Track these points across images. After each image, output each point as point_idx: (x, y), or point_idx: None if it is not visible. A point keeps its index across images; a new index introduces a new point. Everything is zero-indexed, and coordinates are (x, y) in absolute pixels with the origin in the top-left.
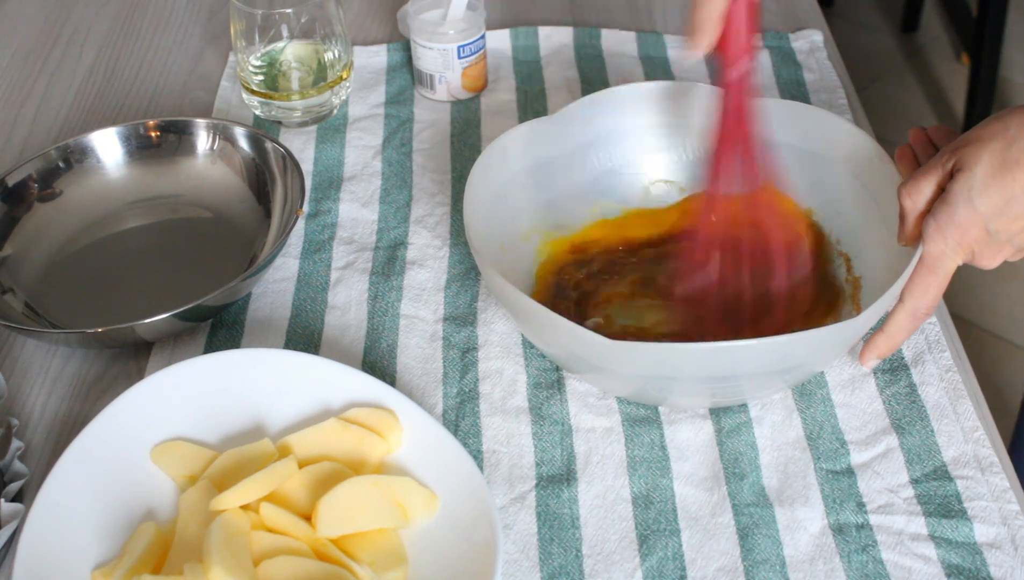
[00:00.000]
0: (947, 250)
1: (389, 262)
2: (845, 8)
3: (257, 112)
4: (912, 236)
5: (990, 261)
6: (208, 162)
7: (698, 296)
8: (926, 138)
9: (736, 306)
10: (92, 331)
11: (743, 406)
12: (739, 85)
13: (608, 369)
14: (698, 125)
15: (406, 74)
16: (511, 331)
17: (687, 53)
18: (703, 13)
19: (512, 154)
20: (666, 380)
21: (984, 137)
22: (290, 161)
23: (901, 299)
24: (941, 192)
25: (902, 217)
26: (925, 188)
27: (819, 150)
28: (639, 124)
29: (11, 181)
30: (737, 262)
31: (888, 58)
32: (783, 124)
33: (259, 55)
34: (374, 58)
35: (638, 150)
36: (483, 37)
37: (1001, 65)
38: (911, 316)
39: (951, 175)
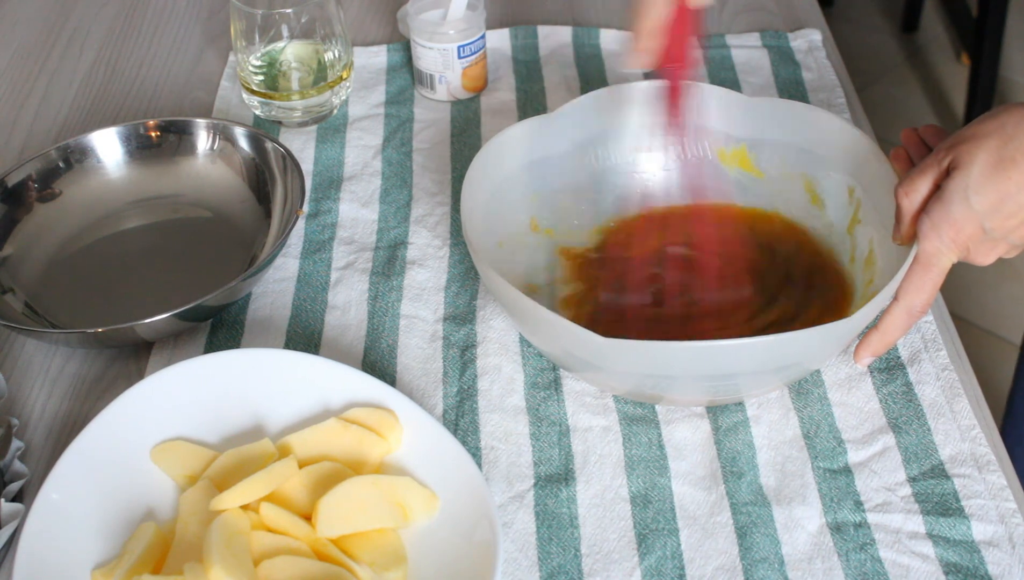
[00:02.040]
0: (942, 248)
1: (389, 262)
2: (845, 8)
3: (257, 112)
4: (908, 235)
5: (984, 258)
6: (208, 162)
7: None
8: (918, 138)
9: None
10: (92, 331)
11: (740, 405)
12: (678, 91)
13: (604, 367)
14: (695, 124)
15: (406, 74)
16: (509, 329)
17: (627, 62)
18: (645, 24)
19: (510, 152)
20: (662, 378)
21: (980, 134)
22: (290, 161)
23: (896, 297)
24: (937, 189)
25: (898, 216)
26: (921, 186)
27: (815, 149)
28: (637, 123)
29: (11, 181)
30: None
31: (888, 58)
32: (780, 123)
33: (259, 55)
34: (374, 58)
35: (635, 149)
36: (483, 37)
37: (1001, 65)
38: (906, 314)
39: (947, 173)
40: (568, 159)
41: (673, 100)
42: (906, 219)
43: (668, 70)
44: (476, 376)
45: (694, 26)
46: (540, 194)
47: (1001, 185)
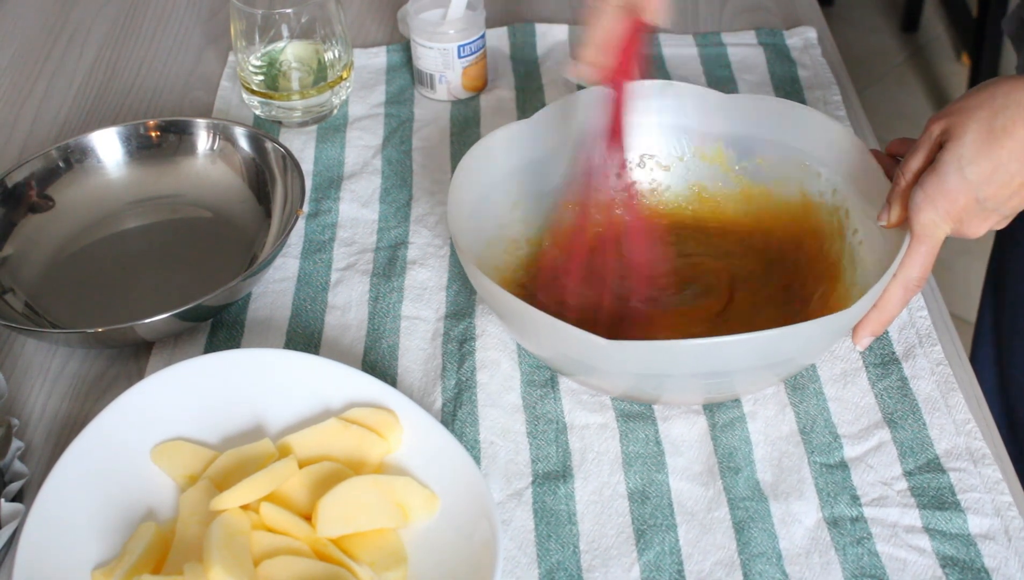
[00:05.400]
0: (936, 219)
1: (390, 263)
2: (845, 8)
3: (257, 112)
4: (901, 210)
5: (976, 230)
6: (208, 162)
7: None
8: (887, 159)
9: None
10: (92, 331)
11: (736, 401)
12: (619, 102)
13: (600, 368)
14: (681, 124)
15: (406, 74)
16: None
17: (570, 71)
18: (595, 36)
19: (495, 156)
20: (659, 377)
21: (970, 107)
22: (290, 161)
23: (894, 275)
24: (930, 163)
25: (890, 196)
26: (913, 162)
27: (799, 145)
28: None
29: (11, 181)
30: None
31: (888, 58)
32: (761, 120)
33: (259, 55)
34: (374, 59)
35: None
36: (483, 36)
37: (1001, 65)
38: (902, 287)
39: (939, 146)
40: (553, 161)
41: (616, 115)
42: (896, 194)
43: (614, 83)
44: (475, 369)
45: (644, 42)
46: (526, 197)
47: (994, 155)
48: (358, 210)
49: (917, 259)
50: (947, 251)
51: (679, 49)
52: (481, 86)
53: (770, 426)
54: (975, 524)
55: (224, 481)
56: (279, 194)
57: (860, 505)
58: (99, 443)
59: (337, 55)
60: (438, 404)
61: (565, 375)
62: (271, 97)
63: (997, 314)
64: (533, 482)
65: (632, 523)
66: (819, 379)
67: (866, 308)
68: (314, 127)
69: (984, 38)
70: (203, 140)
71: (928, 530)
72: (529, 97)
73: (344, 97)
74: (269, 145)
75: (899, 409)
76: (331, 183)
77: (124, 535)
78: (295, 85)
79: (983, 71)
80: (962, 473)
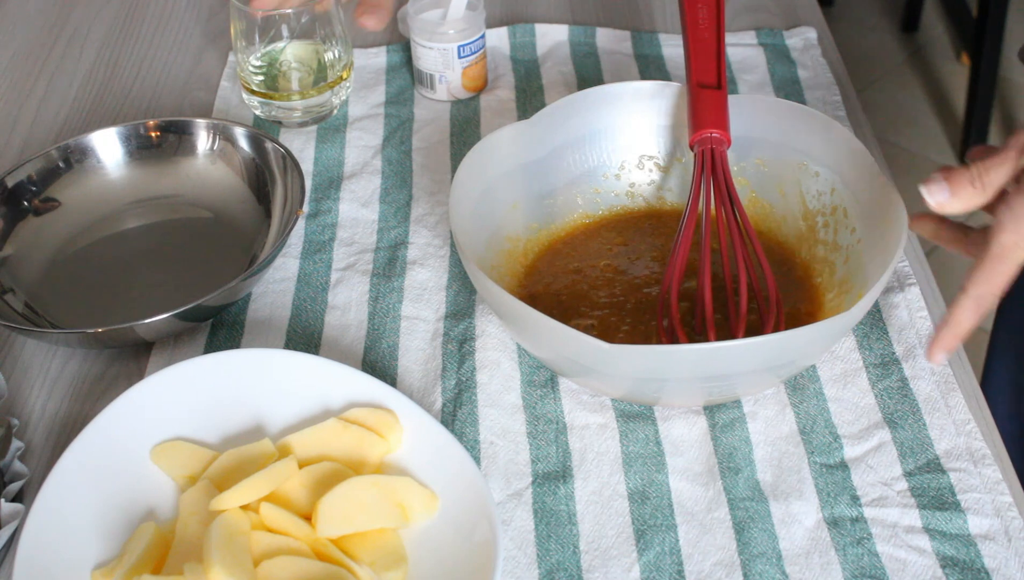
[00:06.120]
0: (1020, 241)
1: (390, 263)
2: (845, 8)
3: (257, 112)
4: (956, 210)
5: None
6: (208, 162)
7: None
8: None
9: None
10: (92, 331)
11: (736, 401)
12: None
13: (600, 371)
14: (680, 124)
15: (406, 74)
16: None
17: None
18: None
19: (495, 156)
20: (659, 381)
21: None
22: (290, 161)
23: (964, 289)
24: (1016, 182)
25: (955, 188)
26: (996, 178)
27: (796, 145)
28: (616, 124)
29: (11, 181)
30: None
31: (888, 58)
32: (757, 119)
33: (259, 55)
34: (374, 59)
35: (617, 150)
36: (483, 37)
37: (1001, 65)
38: (976, 304)
39: None
40: (551, 162)
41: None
42: (968, 193)
43: (702, 140)
44: (475, 369)
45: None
46: (526, 197)
47: None
48: (358, 210)
49: (993, 278)
50: (948, 251)
51: (679, 49)
52: (481, 86)
53: (770, 426)
54: (975, 524)
55: (224, 481)
56: (279, 194)
57: (860, 505)
58: (99, 443)
59: (337, 55)
60: (438, 404)
61: (565, 376)
62: (271, 97)
63: (1015, 333)
64: (533, 482)
65: (632, 523)
66: (819, 379)
67: (866, 309)
68: (314, 127)
69: (984, 38)
70: (203, 140)
71: (928, 530)
72: (529, 97)
73: (344, 97)
74: (269, 145)
75: (899, 409)
76: (331, 183)
77: (124, 535)
78: (295, 85)
79: (983, 71)
80: (962, 473)
